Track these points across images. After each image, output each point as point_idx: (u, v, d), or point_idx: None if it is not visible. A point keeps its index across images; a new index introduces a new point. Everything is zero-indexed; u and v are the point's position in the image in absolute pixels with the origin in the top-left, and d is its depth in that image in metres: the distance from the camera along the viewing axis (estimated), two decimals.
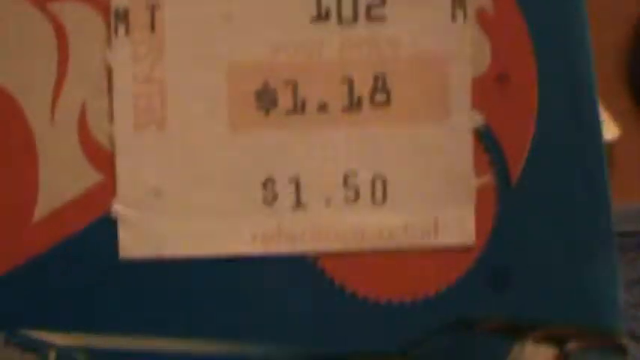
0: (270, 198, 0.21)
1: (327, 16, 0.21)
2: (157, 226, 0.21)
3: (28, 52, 0.21)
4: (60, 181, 0.21)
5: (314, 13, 0.21)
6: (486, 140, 0.21)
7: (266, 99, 0.21)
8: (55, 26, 0.21)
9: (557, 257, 0.20)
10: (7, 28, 0.21)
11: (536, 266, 0.20)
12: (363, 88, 0.21)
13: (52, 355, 0.19)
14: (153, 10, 0.21)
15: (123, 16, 0.21)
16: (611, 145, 0.48)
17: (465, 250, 0.21)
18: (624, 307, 0.38)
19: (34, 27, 0.21)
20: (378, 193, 0.21)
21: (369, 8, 0.21)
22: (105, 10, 0.21)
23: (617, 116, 0.48)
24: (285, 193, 0.21)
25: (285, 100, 0.21)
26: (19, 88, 0.21)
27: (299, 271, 0.21)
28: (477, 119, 0.21)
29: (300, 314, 0.20)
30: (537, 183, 0.20)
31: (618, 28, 0.53)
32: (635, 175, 0.48)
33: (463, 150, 0.21)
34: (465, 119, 0.21)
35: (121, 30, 0.21)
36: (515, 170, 0.21)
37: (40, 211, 0.21)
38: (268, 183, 0.21)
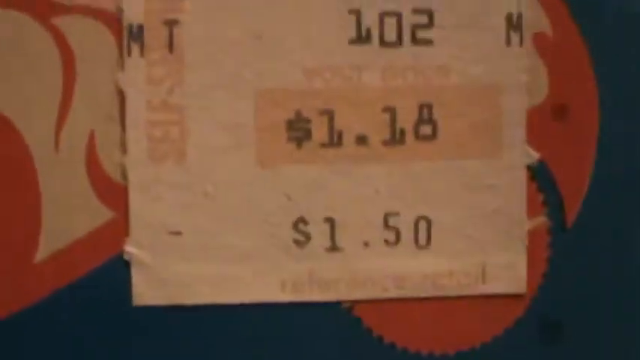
0: (302, 240, 0.19)
1: (368, 38, 0.18)
2: (175, 271, 0.19)
3: (29, 72, 0.18)
4: (65, 218, 0.18)
5: (353, 34, 0.18)
6: (541, 178, 0.19)
7: (298, 130, 0.19)
8: (60, 43, 0.18)
9: (614, 308, 0.19)
10: (6, 44, 0.18)
11: (591, 318, 0.19)
12: (406, 120, 0.18)
13: None
14: (171, 26, 0.18)
15: (137, 34, 0.18)
16: None
17: (514, 298, 0.19)
18: None
19: (35, 44, 0.18)
20: (422, 236, 0.18)
21: (414, 30, 0.18)
22: (116, 26, 0.19)
23: None
24: (319, 235, 0.19)
25: (319, 132, 0.18)
26: (19, 113, 0.18)
27: (333, 320, 0.19)
28: (532, 155, 0.19)
29: None
30: (595, 225, 0.19)
31: None
32: None
33: (516, 189, 0.18)
34: (519, 155, 0.18)
35: (135, 49, 0.18)
36: (572, 211, 0.19)
37: (43, 251, 0.18)
38: (300, 224, 0.19)
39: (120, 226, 0.19)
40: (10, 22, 0.18)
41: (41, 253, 0.19)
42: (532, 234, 0.19)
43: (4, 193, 0.18)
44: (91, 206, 0.19)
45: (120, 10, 0.19)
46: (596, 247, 0.19)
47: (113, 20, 0.19)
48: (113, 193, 0.19)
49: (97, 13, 0.19)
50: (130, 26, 0.19)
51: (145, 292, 0.19)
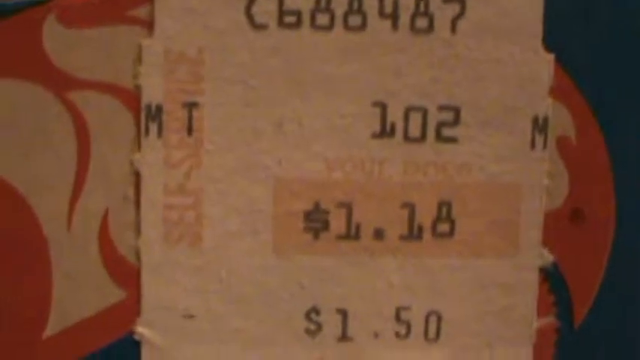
0: (314, 329, 0.18)
1: (392, 132, 0.17)
2: (186, 354, 0.18)
3: (44, 147, 0.17)
4: (77, 295, 0.18)
5: (377, 128, 0.17)
6: (553, 280, 0.18)
7: (316, 221, 0.17)
8: (76, 119, 0.17)
9: None
10: (20, 117, 0.17)
11: None
12: (425, 216, 0.17)
13: None
14: (191, 108, 0.17)
15: (155, 114, 0.17)
16: None
17: None
18: None
19: (50, 118, 0.17)
20: (432, 330, 0.18)
21: (439, 127, 0.17)
22: (135, 104, 0.17)
23: None
24: (331, 325, 0.18)
25: (337, 224, 0.17)
26: (32, 188, 0.17)
27: None
28: (546, 257, 0.18)
29: None
30: (602, 327, 0.18)
31: None
32: None
33: (528, 289, 0.18)
34: (534, 257, 0.18)
35: (153, 130, 0.17)
36: (581, 312, 0.18)
37: (52, 327, 0.18)
38: (312, 313, 0.18)
39: (131, 307, 0.18)
40: (27, 94, 0.17)
41: (50, 330, 0.18)
42: (540, 332, 0.18)
43: (16, 269, 0.17)
44: (103, 285, 0.18)
45: (139, 89, 0.17)
46: (600, 347, 0.19)
47: (131, 99, 0.17)
48: (126, 273, 0.18)
49: (115, 90, 0.17)
50: (149, 106, 0.17)
51: None
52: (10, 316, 0.17)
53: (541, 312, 0.17)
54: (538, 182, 0.17)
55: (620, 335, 0.17)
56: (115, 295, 0.17)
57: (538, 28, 0.17)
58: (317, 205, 0.17)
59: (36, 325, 0.17)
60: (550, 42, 0.17)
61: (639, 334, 0.17)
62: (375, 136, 0.17)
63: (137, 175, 0.17)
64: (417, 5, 0.16)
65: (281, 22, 0.16)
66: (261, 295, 0.17)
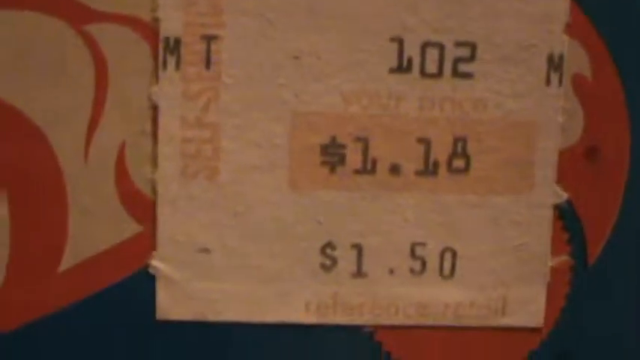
0: (329, 264, 0.18)
1: (409, 67, 0.17)
2: (201, 288, 0.18)
3: (61, 80, 0.17)
4: (92, 228, 0.17)
5: (394, 62, 0.17)
6: (568, 218, 0.18)
7: (332, 155, 0.17)
8: (93, 52, 0.17)
9: (626, 344, 0.19)
10: (38, 49, 0.17)
11: (604, 353, 0.19)
12: (440, 152, 0.17)
13: None
14: (209, 41, 0.17)
15: (174, 47, 0.17)
16: None
17: (531, 332, 0.18)
18: None
19: (67, 51, 0.17)
20: (447, 267, 0.18)
21: (456, 62, 0.17)
22: (153, 37, 0.17)
23: None
24: (346, 260, 0.18)
25: (353, 158, 0.17)
26: (49, 121, 0.17)
27: (354, 344, 0.18)
28: (561, 195, 0.18)
29: None
30: (615, 266, 0.18)
31: None
32: None
33: (542, 227, 0.18)
34: (548, 194, 0.18)
35: (171, 63, 0.17)
36: (595, 251, 0.18)
37: (68, 260, 0.17)
38: (327, 248, 0.18)
39: (147, 240, 0.17)
40: (45, 26, 0.17)
41: (65, 263, 0.17)
42: (554, 270, 0.18)
43: (31, 201, 0.17)
44: (119, 218, 0.17)
45: (157, 21, 0.17)
46: (615, 287, 0.19)
47: (149, 31, 0.17)
48: (142, 206, 0.17)
49: (133, 23, 0.17)
50: (167, 39, 0.17)
51: (170, 307, 0.18)
52: (26, 250, 0.17)
53: (555, 250, 0.17)
54: (553, 119, 0.17)
55: (633, 273, 0.17)
56: (130, 229, 0.17)
57: None
58: (333, 140, 0.17)
59: (51, 258, 0.17)
60: None
61: None
62: (392, 71, 0.17)
63: (154, 109, 0.17)
64: None
65: None
66: (277, 230, 0.17)
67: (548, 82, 0.17)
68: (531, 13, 0.17)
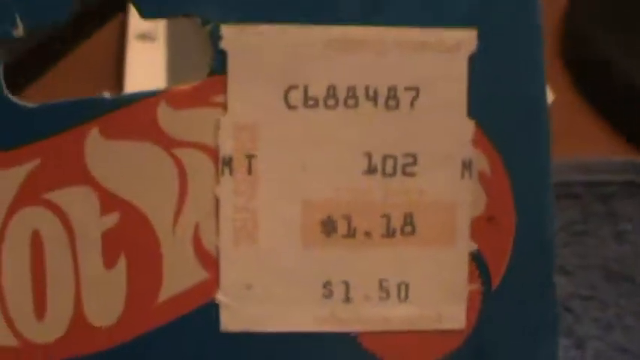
0: (328, 294, 0.27)
1: (375, 171, 0.27)
2: (248, 310, 0.27)
3: (158, 183, 0.26)
4: (178, 275, 0.26)
5: (365, 168, 0.27)
6: (477, 259, 0.27)
7: (329, 227, 0.27)
8: (178, 166, 0.26)
9: (515, 339, 0.28)
10: (143, 164, 0.26)
11: (507, 345, 0.28)
12: (396, 222, 0.27)
13: None
14: (250, 158, 0.26)
15: (228, 162, 0.26)
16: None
17: (458, 332, 0.28)
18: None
19: (162, 165, 0.26)
20: (402, 294, 0.27)
21: (404, 167, 0.27)
22: (215, 156, 0.26)
23: (552, 82, 0.56)
24: (339, 292, 0.27)
25: (342, 228, 0.27)
26: (150, 209, 0.26)
27: (344, 345, 0.28)
28: (472, 246, 0.27)
29: None
30: (511, 292, 0.28)
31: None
32: (565, 136, 0.56)
33: (462, 266, 0.27)
34: (465, 246, 0.27)
35: (226, 171, 0.26)
36: (496, 281, 0.28)
37: (163, 295, 0.27)
38: (327, 284, 0.27)
39: (213, 282, 0.27)
40: (148, 150, 0.26)
41: (162, 296, 0.27)
42: (470, 294, 0.28)
43: (140, 257, 0.27)
44: (195, 269, 0.27)
45: (217, 146, 0.26)
46: (509, 303, 0.28)
47: (213, 153, 0.26)
48: (210, 261, 0.27)
49: (203, 147, 0.26)
50: (224, 157, 0.26)
51: (229, 323, 0.27)
52: (138, 286, 0.26)
53: (471, 281, 0.27)
54: (466, 200, 0.27)
55: (525, 297, 0.27)
56: (202, 275, 0.27)
57: (464, 102, 0.26)
58: (329, 217, 0.27)
59: (153, 293, 0.26)
60: (472, 113, 0.26)
61: (538, 297, 0.27)
62: (364, 173, 0.27)
63: (217, 201, 0.26)
64: (389, 93, 0.26)
65: (306, 104, 0.26)
66: (294, 273, 0.27)
67: (463, 176, 0.27)
68: (452, 132, 0.26)
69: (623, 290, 0.42)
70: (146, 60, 0.51)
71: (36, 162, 0.26)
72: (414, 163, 0.26)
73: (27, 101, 0.25)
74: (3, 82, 0.25)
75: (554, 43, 0.60)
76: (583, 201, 0.47)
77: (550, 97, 0.51)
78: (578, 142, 0.55)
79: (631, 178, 0.48)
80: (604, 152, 0.52)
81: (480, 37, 0.25)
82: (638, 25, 0.56)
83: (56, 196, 0.26)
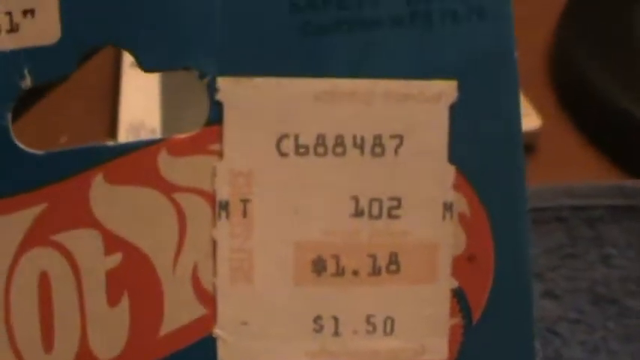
0: (318, 329, 0.29)
1: (362, 214, 0.28)
2: (244, 344, 0.28)
3: (159, 225, 0.28)
4: (178, 311, 0.28)
5: (353, 211, 0.28)
6: (458, 296, 0.29)
7: (319, 266, 0.28)
8: (177, 210, 0.28)
9: None
10: (145, 208, 0.28)
11: None
12: (382, 262, 0.28)
13: None
14: (245, 202, 0.28)
15: (224, 206, 0.28)
16: (535, 134, 0.51)
17: None
18: (542, 270, 0.43)
19: (163, 209, 0.28)
20: (388, 328, 0.29)
21: (389, 210, 0.28)
22: (212, 201, 0.28)
23: (540, 108, 0.51)
24: (328, 326, 0.29)
25: (331, 267, 0.28)
26: (152, 249, 0.28)
27: None
28: (454, 283, 0.29)
29: None
30: (491, 326, 0.30)
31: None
32: (553, 161, 0.51)
33: (444, 302, 0.29)
34: (447, 283, 0.29)
35: (223, 215, 0.28)
36: (476, 315, 0.29)
37: (164, 329, 0.28)
38: (317, 319, 0.29)
39: (211, 318, 0.28)
40: (148, 196, 0.28)
41: (163, 330, 0.29)
42: (452, 328, 0.30)
43: (142, 294, 0.28)
44: (194, 306, 0.28)
45: (214, 191, 0.28)
46: (488, 335, 0.30)
47: (211, 197, 0.28)
48: (208, 299, 0.28)
49: (201, 192, 0.28)
50: (221, 201, 0.28)
51: (226, 357, 0.29)
52: (140, 322, 0.28)
53: (452, 315, 0.29)
54: (447, 241, 0.29)
55: (504, 330, 0.29)
56: (201, 311, 0.28)
57: (445, 148, 0.28)
58: (319, 257, 0.28)
59: (154, 328, 0.28)
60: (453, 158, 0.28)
61: (517, 331, 0.29)
62: (351, 216, 0.28)
63: (215, 243, 0.28)
64: (374, 141, 0.28)
65: (297, 152, 0.28)
66: (287, 310, 0.29)
67: (444, 218, 0.29)
68: (434, 177, 0.28)
69: (610, 313, 0.44)
70: (141, 86, 0.53)
71: (43, 206, 0.28)
72: (399, 206, 0.28)
73: (31, 143, 0.27)
74: (12, 130, 0.27)
75: (542, 68, 0.62)
76: (570, 224, 0.49)
77: (537, 122, 0.52)
78: (566, 166, 0.57)
79: (617, 203, 0.50)
80: (592, 176, 0.54)
81: (460, 87, 0.27)
82: (624, 48, 0.58)
83: (63, 238, 0.28)
